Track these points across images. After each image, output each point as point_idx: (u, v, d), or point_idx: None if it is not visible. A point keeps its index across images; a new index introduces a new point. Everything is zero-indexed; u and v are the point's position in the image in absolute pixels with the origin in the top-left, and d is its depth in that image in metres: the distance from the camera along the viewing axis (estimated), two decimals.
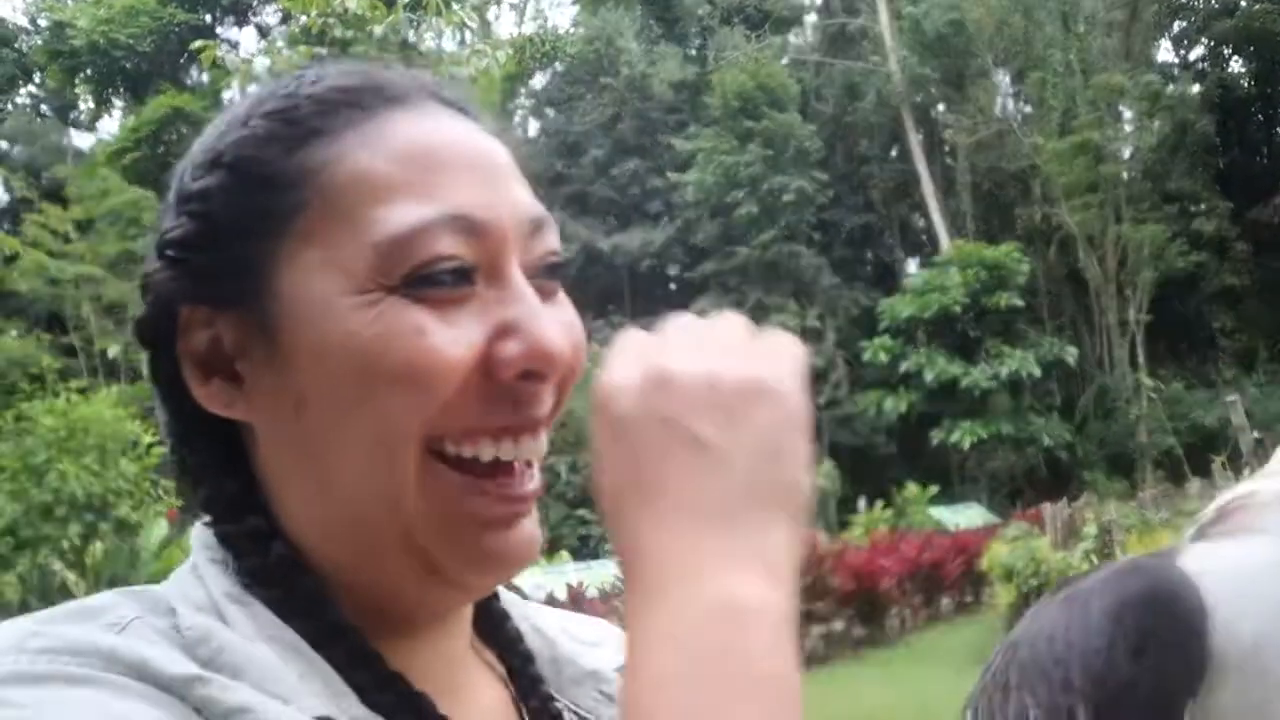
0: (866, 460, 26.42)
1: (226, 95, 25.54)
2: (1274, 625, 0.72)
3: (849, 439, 26.54)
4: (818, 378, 27.33)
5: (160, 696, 0.55)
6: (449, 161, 0.65)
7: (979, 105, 29.86)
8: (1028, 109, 31.03)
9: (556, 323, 0.64)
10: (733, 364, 0.57)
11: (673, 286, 30.70)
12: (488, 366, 0.62)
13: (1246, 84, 29.67)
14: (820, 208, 29.04)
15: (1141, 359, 26.22)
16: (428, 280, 0.62)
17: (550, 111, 36.08)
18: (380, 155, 0.64)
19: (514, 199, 0.66)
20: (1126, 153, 28.09)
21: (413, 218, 0.62)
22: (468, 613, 0.73)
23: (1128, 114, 28.23)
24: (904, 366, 24.50)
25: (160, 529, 9.69)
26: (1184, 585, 0.73)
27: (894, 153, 32.16)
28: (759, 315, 28.66)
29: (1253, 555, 0.74)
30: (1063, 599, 0.79)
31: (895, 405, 24.73)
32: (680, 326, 0.60)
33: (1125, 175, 27.30)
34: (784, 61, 32.20)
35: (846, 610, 11.97)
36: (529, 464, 0.66)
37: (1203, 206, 27.16)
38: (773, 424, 0.57)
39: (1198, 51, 31.41)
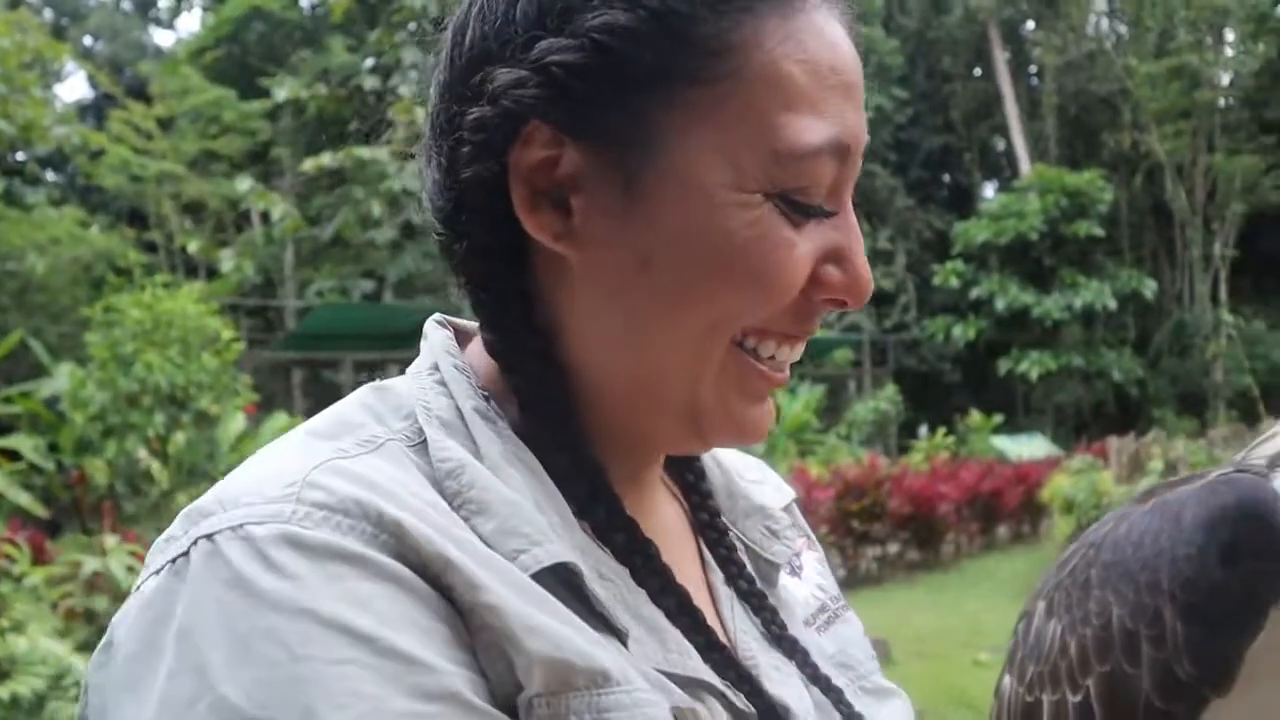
0: (931, 386, 26.21)
1: None
2: None
3: (915, 364, 26.31)
4: (886, 300, 27.04)
5: (414, 581, 0.58)
6: (843, 83, 0.67)
7: (1071, 23, 28.67)
8: (1122, 29, 29.76)
9: (865, 260, 0.69)
10: None
11: None
12: (810, 284, 0.67)
13: None
14: (898, 127, 28.35)
15: (1224, 295, 25.46)
16: (803, 200, 0.66)
17: None
18: (796, 57, 0.65)
19: (864, 123, 0.69)
20: (1225, 78, 26.85)
21: (816, 137, 0.65)
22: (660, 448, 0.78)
23: (1230, 37, 26.93)
24: (975, 293, 24.09)
25: (238, 423, 10.02)
26: (1276, 500, 0.76)
27: (978, 71, 31.12)
28: None
29: None
30: (1151, 507, 0.82)
31: (964, 332, 24.39)
32: None
33: (1222, 102, 26.15)
34: None
35: (902, 533, 12.04)
36: None
37: None
38: None
39: None
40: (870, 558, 11.79)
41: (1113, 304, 23.45)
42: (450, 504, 0.63)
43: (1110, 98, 27.71)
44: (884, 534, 11.78)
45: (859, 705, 0.80)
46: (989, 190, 30.98)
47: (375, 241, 20.05)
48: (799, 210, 0.65)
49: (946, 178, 31.09)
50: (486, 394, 0.69)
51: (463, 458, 0.64)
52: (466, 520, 0.63)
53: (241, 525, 0.57)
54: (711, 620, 0.73)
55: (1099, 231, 23.78)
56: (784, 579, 0.86)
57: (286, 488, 0.59)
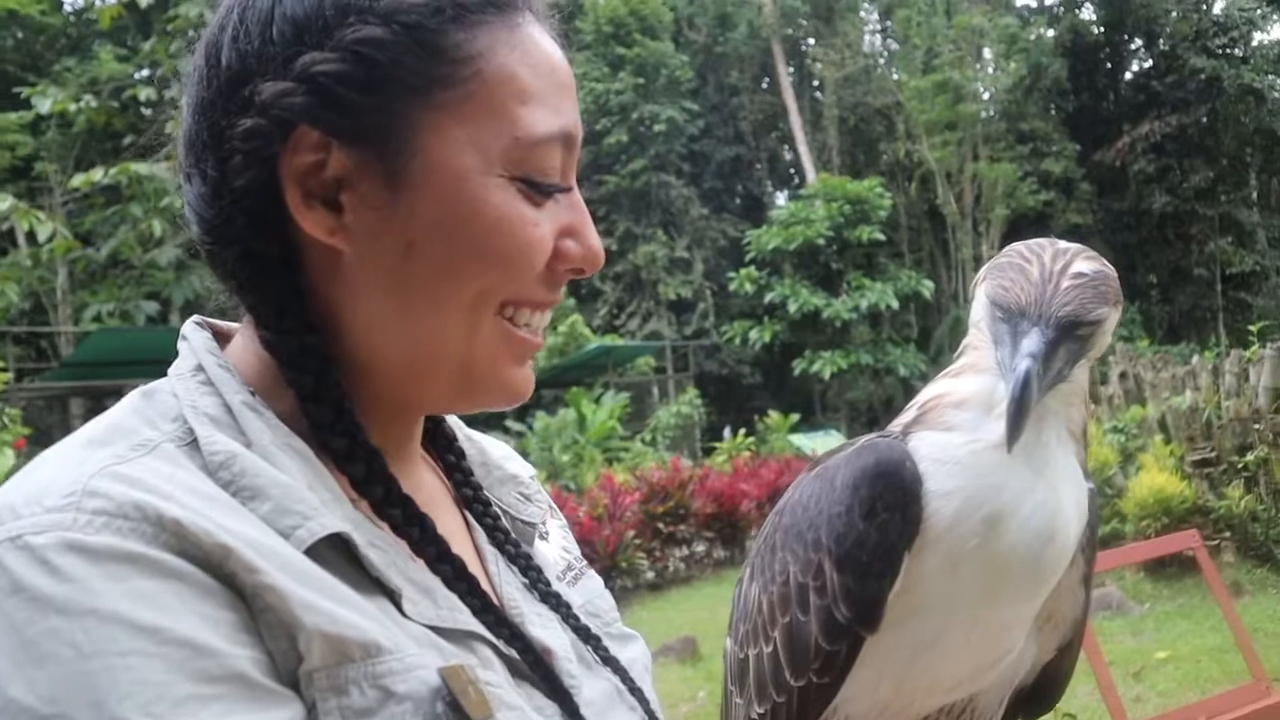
0: (732, 389, 27.03)
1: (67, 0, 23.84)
2: (969, 505, 0.89)
3: (715, 368, 27.05)
4: (686, 308, 27.69)
5: (196, 575, 0.61)
6: (560, 81, 0.78)
7: (847, 40, 30.31)
8: (894, 46, 31.65)
9: (596, 234, 0.81)
10: None
11: None
12: (552, 258, 0.78)
13: (1096, 30, 30.88)
14: (691, 138, 29.11)
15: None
16: (541, 180, 0.76)
17: None
18: (524, 62, 0.75)
19: (579, 117, 0.81)
20: (984, 93, 28.99)
21: (548, 126, 0.75)
22: (420, 422, 0.88)
23: (987, 55, 29.10)
24: (769, 298, 25.00)
25: (7, 459, 9.28)
26: (907, 460, 0.89)
27: (764, 85, 32.41)
28: (628, 244, 28.26)
29: (954, 446, 0.90)
30: (816, 473, 0.95)
31: (760, 336, 25.27)
32: None
33: (982, 115, 28.20)
34: None
35: (708, 533, 12.32)
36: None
37: (1053, 148, 28.26)
38: None
39: None
40: (678, 558, 12.02)
41: (896, 304, 24.86)
42: (226, 493, 0.68)
43: (885, 110, 29.42)
44: (690, 534, 12.04)
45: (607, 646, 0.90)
46: (780, 199, 32.24)
47: (158, 262, 18.98)
48: (539, 190, 0.76)
49: (739, 187, 32.13)
50: (252, 390, 0.75)
51: (233, 448, 0.69)
52: (244, 505, 0.67)
53: (20, 536, 0.59)
54: (483, 581, 0.82)
55: (880, 236, 25.17)
56: (537, 544, 0.96)
57: (65, 497, 0.61)
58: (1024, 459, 0.89)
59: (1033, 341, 0.85)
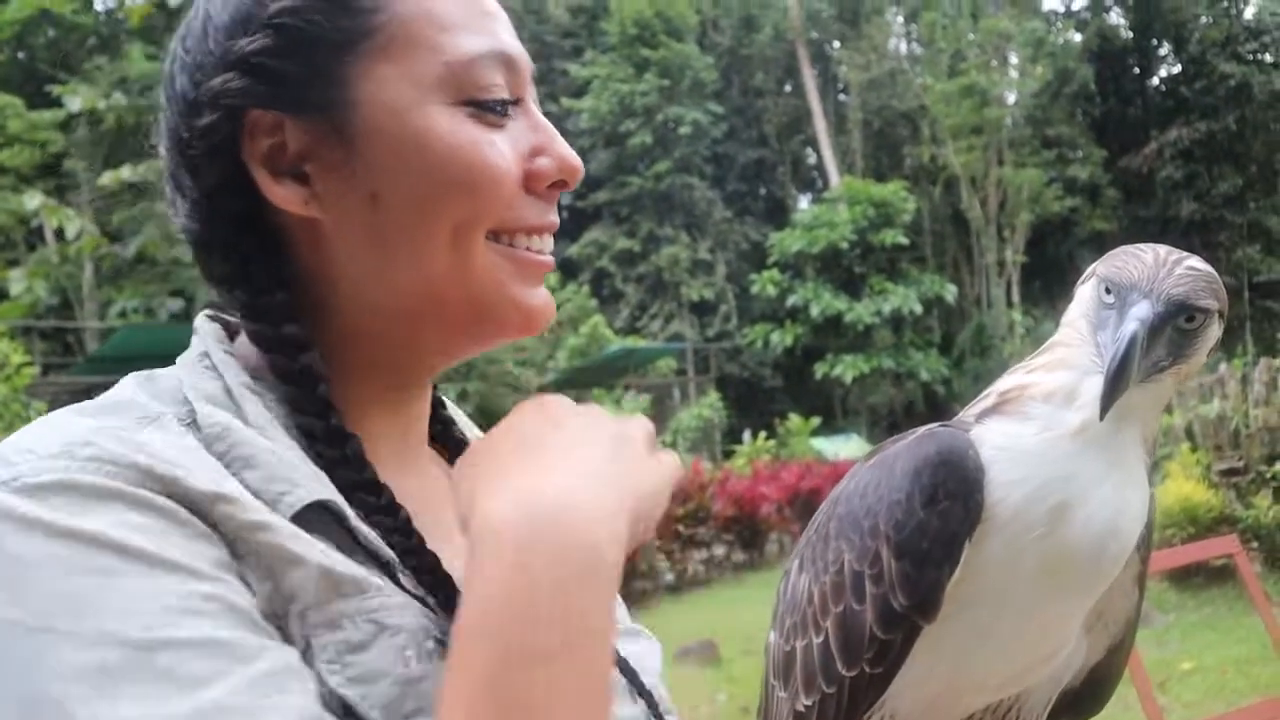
0: (753, 392, 26.99)
1: None
2: (1036, 495, 0.88)
3: (736, 371, 27.03)
4: (708, 310, 27.68)
5: (183, 514, 0.63)
6: (483, 8, 0.79)
7: (873, 43, 30.20)
8: (919, 49, 31.53)
9: (568, 145, 0.81)
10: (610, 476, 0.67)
11: (565, 215, 30.39)
12: (527, 179, 0.78)
13: (1124, 34, 30.68)
14: (715, 140, 29.11)
15: (1016, 298, 27.28)
16: (485, 105, 0.76)
17: None
18: None
19: (523, 48, 0.81)
20: (1010, 97, 28.85)
21: (476, 45, 0.76)
22: (427, 406, 0.88)
23: (1013, 59, 28.95)
24: (791, 301, 24.97)
25: None
26: (970, 448, 0.88)
27: (788, 88, 32.36)
28: (651, 246, 28.36)
29: (1024, 436, 0.90)
30: (874, 462, 0.93)
31: (782, 339, 25.24)
32: (536, 435, 0.69)
33: (1008, 119, 28.06)
34: None
35: (727, 535, 12.33)
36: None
37: (1079, 153, 28.12)
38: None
39: (1080, 1, 32.30)
40: (697, 560, 12.02)
41: (918, 308, 24.77)
42: (221, 464, 0.68)
43: (910, 114, 29.31)
44: (709, 537, 12.03)
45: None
46: (803, 202, 32.19)
47: (183, 259, 19.12)
48: (488, 109, 0.76)
49: (762, 189, 32.12)
50: (256, 375, 0.76)
51: (228, 421, 0.70)
52: (236, 475, 0.68)
53: (16, 479, 0.61)
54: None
55: (904, 240, 25.10)
56: None
57: (62, 447, 0.63)
58: (1097, 453, 0.89)
59: (1142, 309, 0.86)
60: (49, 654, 0.56)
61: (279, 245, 0.77)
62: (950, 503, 0.85)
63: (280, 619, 0.64)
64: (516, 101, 0.79)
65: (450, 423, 0.94)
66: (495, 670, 0.57)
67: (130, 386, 0.73)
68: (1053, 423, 0.90)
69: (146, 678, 0.56)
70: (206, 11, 0.78)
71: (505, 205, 0.77)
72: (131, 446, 0.64)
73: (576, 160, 0.80)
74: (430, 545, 0.75)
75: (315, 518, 0.69)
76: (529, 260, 0.79)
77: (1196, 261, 0.90)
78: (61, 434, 0.65)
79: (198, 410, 0.71)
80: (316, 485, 0.70)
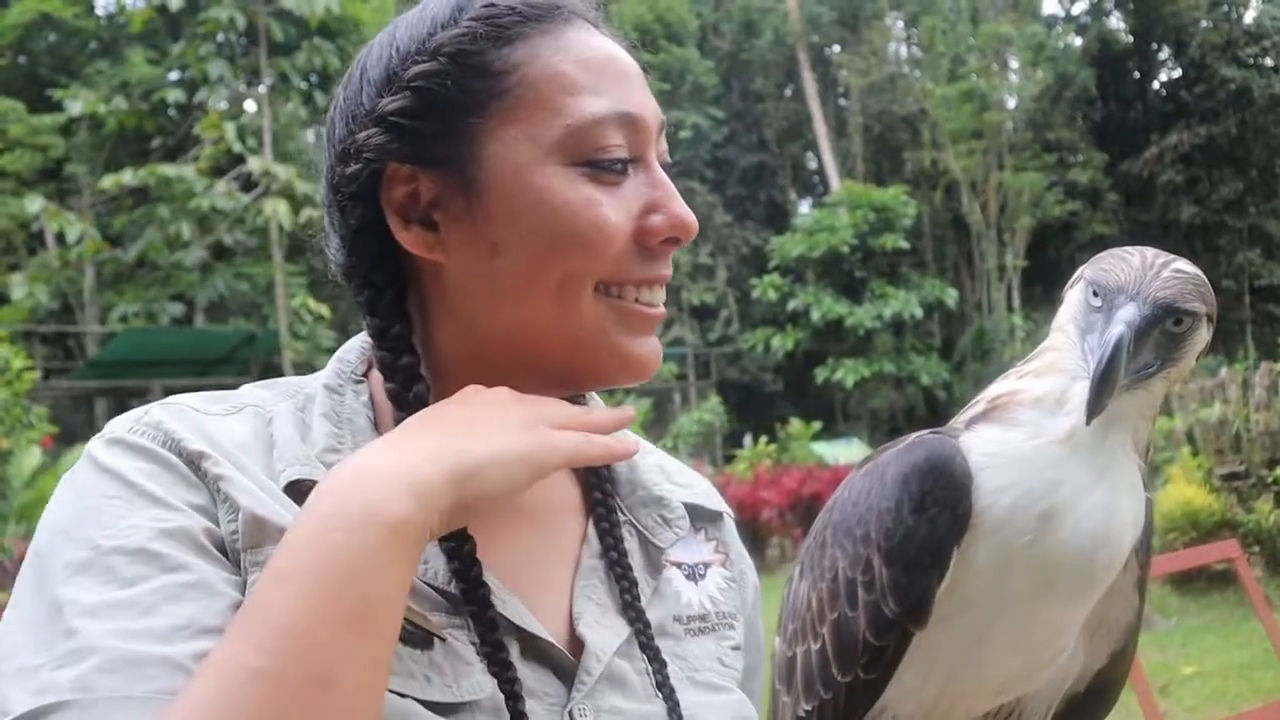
0: (753, 397, 26.98)
1: (100, 2, 24.12)
2: (1024, 501, 0.88)
3: (737, 375, 27.03)
4: (708, 314, 27.67)
5: (181, 466, 0.79)
6: (614, 70, 0.84)
7: (873, 48, 30.21)
8: (919, 54, 31.55)
9: (684, 203, 0.86)
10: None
11: None
12: (640, 235, 0.83)
13: (1124, 38, 30.70)
14: (715, 145, 29.13)
15: (1017, 302, 27.27)
16: (601, 164, 0.81)
17: None
18: (569, 60, 0.82)
19: (652, 103, 0.87)
20: (1010, 102, 28.85)
21: (598, 108, 0.81)
22: None
23: (1013, 63, 28.96)
24: (792, 305, 24.96)
25: (33, 457, 9.37)
26: (957, 455, 0.88)
27: (789, 92, 32.38)
28: None
29: (1013, 442, 0.89)
30: (866, 469, 0.93)
31: (782, 343, 25.22)
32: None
33: (1008, 123, 28.06)
34: None
35: None
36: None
37: (1079, 157, 28.09)
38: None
39: (1081, 5, 32.34)
40: None
41: (919, 313, 24.74)
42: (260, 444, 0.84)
43: (910, 118, 29.31)
44: None
45: (682, 692, 0.88)
46: (803, 206, 32.18)
47: (184, 263, 19.13)
48: (600, 168, 0.81)
49: (762, 194, 32.10)
50: (358, 378, 0.90)
51: (279, 411, 0.86)
52: (267, 453, 0.84)
53: (107, 433, 0.82)
54: (560, 583, 0.88)
55: (904, 244, 25.07)
56: (678, 577, 0.96)
57: (139, 417, 0.82)
58: (1085, 458, 0.88)
59: (1129, 311, 0.85)
60: (59, 548, 0.74)
61: (407, 283, 0.87)
62: (938, 510, 0.86)
63: (235, 555, 0.77)
64: (636, 160, 0.84)
65: None
66: (278, 613, 0.65)
67: (254, 383, 0.91)
68: (1041, 429, 0.89)
69: (96, 571, 0.72)
70: (364, 65, 0.87)
71: (613, 260, 0.82)
72: (184, 424, 0.81)
73: (690, 217, 0.85)
74: (513, 549, 0.87)
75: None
76: (637, 312, 0.85)
77: (1184, 264, 0.89)
78: (155, 410, 0.83)
79: (271, 407, 0.87)
80: (308, 468, 0.82)
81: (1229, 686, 6.03)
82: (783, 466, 15.84)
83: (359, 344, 0.93)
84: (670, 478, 1.02)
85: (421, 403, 0.83)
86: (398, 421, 0.81)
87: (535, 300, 0.81)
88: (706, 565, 0.99)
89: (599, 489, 0.95)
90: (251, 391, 0.88)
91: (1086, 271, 0.93)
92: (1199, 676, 6.28)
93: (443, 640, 0.78)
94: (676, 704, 0.87)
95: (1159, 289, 0.86)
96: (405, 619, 0.74)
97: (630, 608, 0.89)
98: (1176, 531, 7.86)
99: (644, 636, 0.88)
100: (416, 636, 0.78)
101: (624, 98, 0.83)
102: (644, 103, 0.85)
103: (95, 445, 0.80)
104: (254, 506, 0.77)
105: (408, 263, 0.86)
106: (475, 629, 0.81)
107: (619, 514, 0.95)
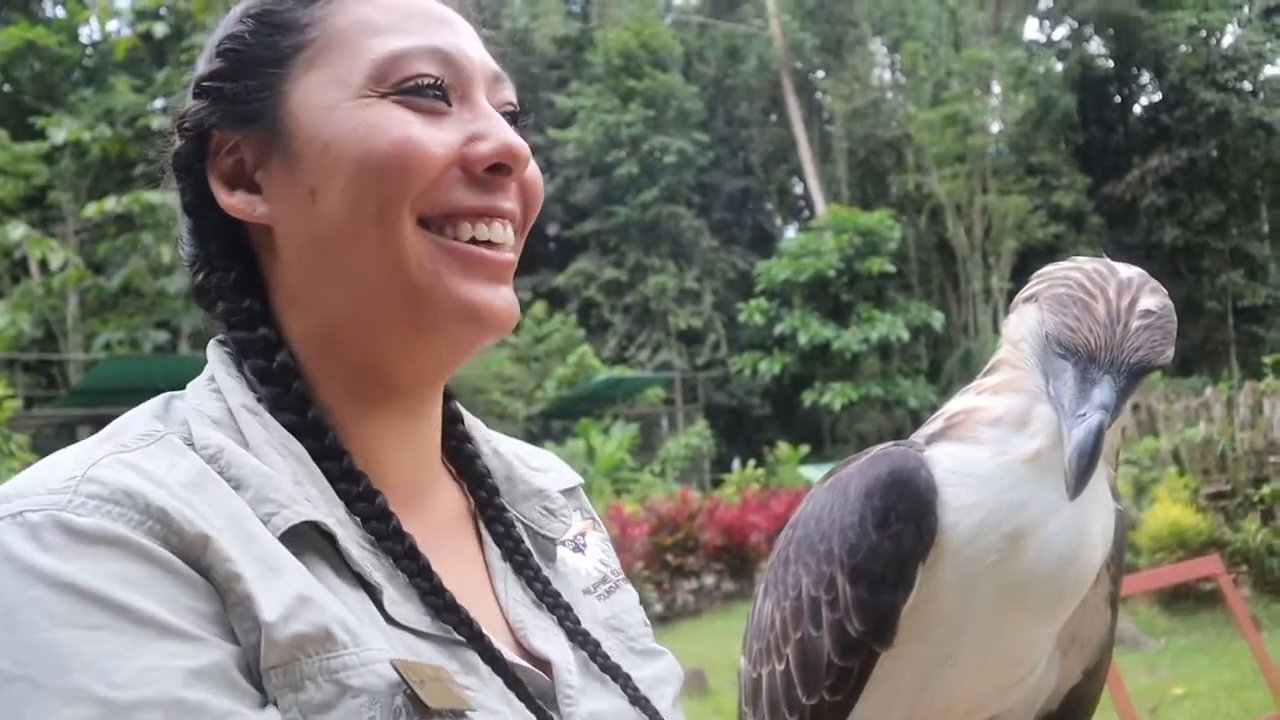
0: (741, 421, 26.95)
1: (84, 30, 24.14)
2: (990, 520, 0.85)
3: (725, 399, 27.00)
4: (695, 339, 27.68)
5: (175, 564, 0.65)
6: (428, 15, 0.82)
7: (856, 73, 30.45)
8: (902, 79, 31.79)
9: (514, 133, 0.81)
10: None
11: (552, 245, 30.55)
12: (464, 162, 0.79)
13: (1105, 63, 30.99)
14: (700, 170, 29.23)
15: (1002, 325, 27.35)
16: (412, 90, 0.79)
17: None
18: (377, 8, 0.81)
19: (476, 48, 0.84)
20: (994, 126, 29.06)
21: (403, 44, 0.79)
22: (436, 424, 0.88)
23: (995, 88, 29.20)
24: (779, 329, 24.99)
25: None
26: (922, 468, 0.85)
27: (773, 117, 32.56)
28: (638, 275, 28.44)
29: (977, 460, 0.87)
30: (829, 484, 0.91)
31: (770, 367, 25.23)
32: None
33: (992, 147, 28.26)
34: (667, 21, 32.20)
35: (717, 565, 12.24)
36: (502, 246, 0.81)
37: (1062, 180, 28.26)
38: None
39: (1062, 30, 32.66)
40: (686, 590, 11.93)
41: (906, 336, 24.81)
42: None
43: (894, 142, 29.51)
44: (699, 566, 11.95)
45: (627, 663, 0.88)
46: (789, 231, 32.30)
47: (168, 290, 19.04)
48: (412, 94, 0.79)
49: (748, 218, 32.21)
50: (258, 397, 0.79)
51: (221, 442, 0.73)
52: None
53: (20, 513, 0.64)
54: (484, 590, 0.84)
55: (890, 268, 25.17)
56: (567, 554, 0.95)
57: (66, 481, 0.66)
58: (1052, 478, 0.85)
59: (1104, 393, 0.80)
60: (28, 706, 0.58)
61: (251, 259, 0.83)
62: (902, 525, 0.83)
63: (257, 672, 0.65)
64: (459, 95, 0.81)
65: (468, 438, 0.94)
66: None
67: (145, 409, 0.78)
68: (1005, 447, 0.87)
69: None
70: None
71: (434, 187, 0.78)
72: (133, 472, 0.67)
73: (518, 142, 0.80)
74: (439, 567, 0.77)
75: (306, 539, 0.71)
76: (468, 252, 0.79)
77: (1150, 299, 0.82)
78: (71, 465, 0.68)
79: (194, 431, 0.74)
80: (306, 506, 0.72)
81: (1219, 707, 6.00)
82: (771, 491, 15.78)
83: (220, 357, 0.84)
84: (528, 464, 1.00)
85: (287, 372, 0.78)
86: (269, 400, 0.78)
87: (360, 243, 0.77)
88: (583, 535, 1.00)
89: (481, 489, 0.92)
90: (141, 419, 0.76)
91: (1047, 316, 0.85)
92: (1189, 697, 6.24)
93: (473, 710, 0.72)
94: (634, 688, 0.86)
95: (1131, 349, 0.80)
96: (445, 709, 0.68)
97: (554, 606, 0.88)
98: (1164, 551, 7.85)
99: (575, 630, 0.87)
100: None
101: (437, 37, 0.81)
102: (462, 44, 0.83)
103: (16, 538, 0.62)
104: (276, 617, 0.65)
105: (252, 243, 0.83)
106: (485, 670, 0.76)
107: (508, 512, 0.92)
